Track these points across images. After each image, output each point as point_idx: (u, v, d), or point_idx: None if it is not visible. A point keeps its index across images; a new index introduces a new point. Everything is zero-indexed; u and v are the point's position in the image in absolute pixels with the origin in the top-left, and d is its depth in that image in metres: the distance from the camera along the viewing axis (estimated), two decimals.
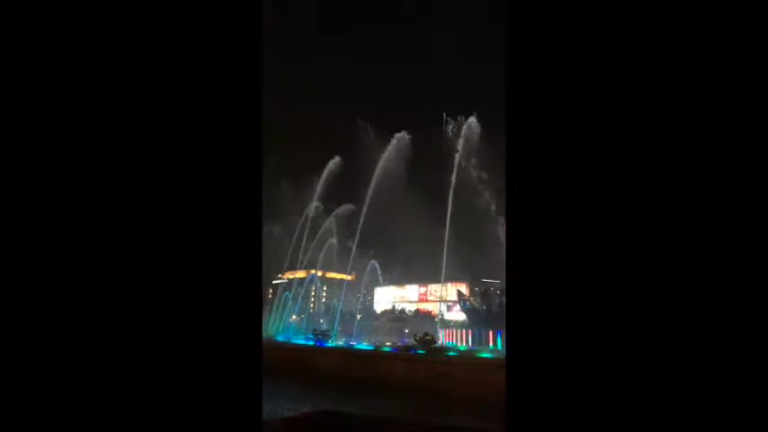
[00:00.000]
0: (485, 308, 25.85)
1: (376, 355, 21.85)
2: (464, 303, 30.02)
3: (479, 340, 23.31)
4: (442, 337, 25.24)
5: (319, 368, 21.38)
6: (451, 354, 19.88)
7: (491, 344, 22.19)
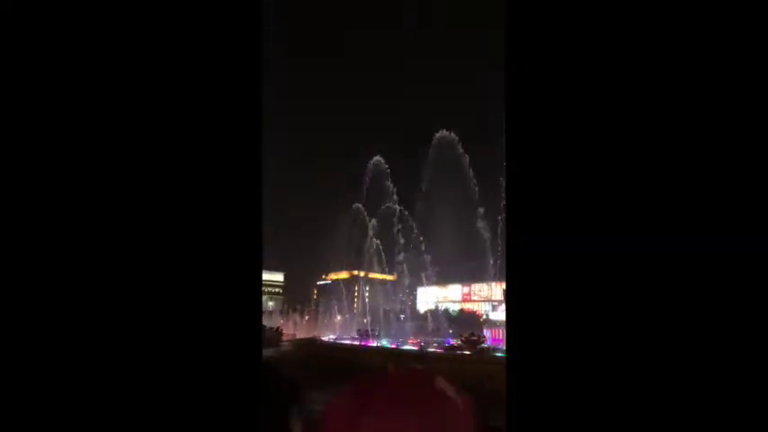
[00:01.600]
0: None
1: (421, 355, 21.77)
2: None
3: None
4: (488, 338, 24.80)
5: (365, 368, 21.58)
6: (499, 354, 19.49)
7: None
